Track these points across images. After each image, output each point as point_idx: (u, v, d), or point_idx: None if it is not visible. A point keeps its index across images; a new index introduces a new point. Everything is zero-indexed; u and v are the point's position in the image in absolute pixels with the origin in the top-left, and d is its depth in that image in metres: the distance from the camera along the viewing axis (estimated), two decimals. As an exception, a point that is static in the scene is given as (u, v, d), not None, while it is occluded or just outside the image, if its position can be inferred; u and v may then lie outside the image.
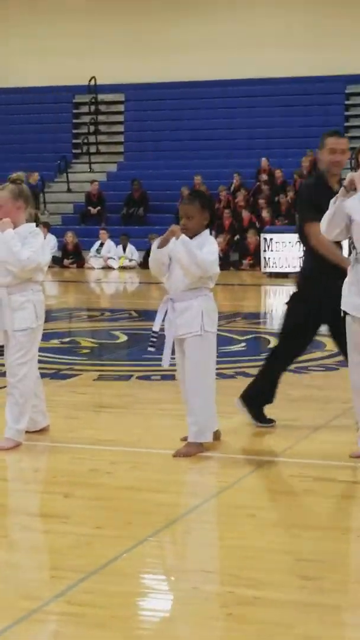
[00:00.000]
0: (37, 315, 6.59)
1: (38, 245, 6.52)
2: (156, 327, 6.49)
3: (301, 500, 5.43)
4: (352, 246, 6.10)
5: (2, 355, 6.70)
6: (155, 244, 6.48)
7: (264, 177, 24.17)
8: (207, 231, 6.42)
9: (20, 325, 6.52)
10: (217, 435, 6.59)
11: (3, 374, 6.93)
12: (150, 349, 6.60)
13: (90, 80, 27.90)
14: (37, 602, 4.03)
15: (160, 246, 6.41)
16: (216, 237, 21.86)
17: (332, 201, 6.06)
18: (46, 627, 3.84)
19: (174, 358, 6.56)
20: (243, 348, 10.94)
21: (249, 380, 8.14)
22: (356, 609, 4.05)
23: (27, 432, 6.65)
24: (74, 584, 4.22)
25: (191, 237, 6.33)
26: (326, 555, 4.59)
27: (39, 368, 6.94)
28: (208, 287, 6.44)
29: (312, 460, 6.21)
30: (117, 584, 4.25)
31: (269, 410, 7.27)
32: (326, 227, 6.10)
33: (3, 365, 6.89)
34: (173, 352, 6.51)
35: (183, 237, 6.27)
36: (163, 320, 6.44)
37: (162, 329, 6.45)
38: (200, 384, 6.35)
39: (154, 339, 6.52)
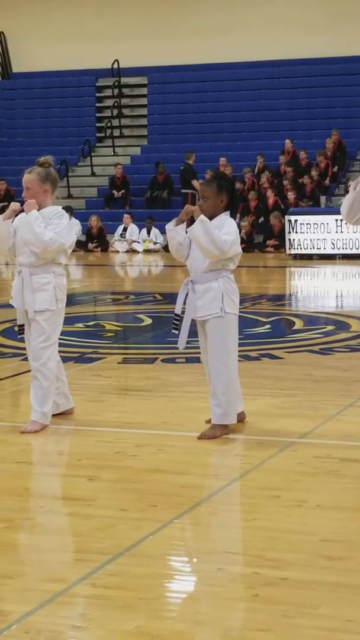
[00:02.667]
0: (58, 298, 6.60)
1: (62, 227, 6.54)
2: (178, 309, 6.49)
3: (326, 481, 5.42)
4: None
5: (22, 333, 6.72)
6: (171, 223, 6.48)
7: (287, 158, 24.06)
8: (226, 213, 6.40)
9: (40, 306, 6.54)
10: (241, 417, 6.59)
11: (26, 359, 6.95)
12: (173, 331, 6.60)
13: (113, 64, 27.85)
14: (62, 584, 4.05)
15: (176, 225, 6.41)
16: (241, 219, 21.86)
17: (352, 186, 6.04)
18: (71, 610, 3.85)
19: (192, 340, 6.56)
20: (268, 330, 10.92)
21: (274, 362, 8.15)
22: (381, 590, 4.04)
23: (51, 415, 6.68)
24: (99, 567, 4.23)
25: (209, 219, 6.31)
26: (351, 536, 4.58)
27: (64, 351, 6.98)
28: (229, 268, 6.42)
29: (336, 441, 6.19)
30: (142, 566, 4.26)
31: (290, 392, 7.26)
32: (347, 212, 6.08)
33: (25, 349, 6.91)
34: (192, 335, 6.51)
35: (202, 217, 6.25)
36: (185, 303, 6.44)
37: (184, 311, 6.45)
38: (223, 366, 6.34)
39: (177, 322, 6.51)
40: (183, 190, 23.53)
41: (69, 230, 6.67)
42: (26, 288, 6.56)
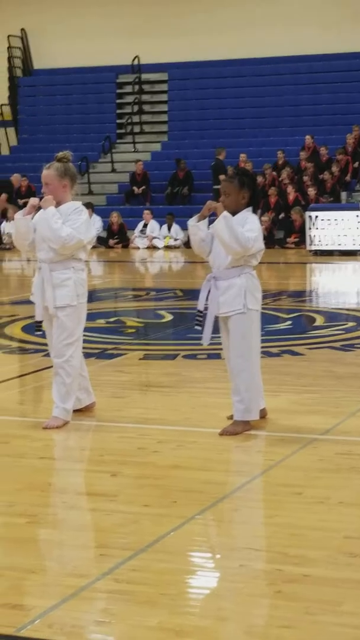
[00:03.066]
0: (78, 294, 6.61)
1: (80, 223, 6.54)
2: (200, 305, 6.48)
3: (347, 477, 5.41)
4: None
5: (40, 330, 6.74)
6: (192, 219, 6.48)
7: (308, 154, 24.01)
8: (248, 209, 6.40)
9: (60, 302, 6.56)
10: (263, 414, 6.59)
11: (47, 355, 6.97)
12: (197, 327, 6.60)
13: (133, 60, 27.86)
14: (85, 579, 4.06)
15: (198, 221, 6.41)
16: (261, 215, 21.82)
17: None
18: (94, 605, 3.87)
19: (215, 337, 6.56)
20: (289, 326, 10.91)
21: (295, 358, 8.14)
22: None
23: (73, 410, 6.69)
24: (122, 562, 4.24)
25: (234, 214, 6.30)
26: (374, 533, 4.58)
27: (86, 347, 6.98)
28: (251, 265, 6.41)
29: (358, 438, 6.18)
30: (165, 561, 4.27)
31: (312, 388, 7.24)
32: None
33: (47, 345, 6.93)
34: (215, 331, 6.51)
35: (225, 213, 6.25)
36: (207, 299, 6.44)
37: (207, 307, 6.45)
38: (245, 362, 6.34)
39: (200, 318, 6.51)
40: (215, 187, 23.48)
41: (88, 226, 6.66)
42: (46, 284, 6.57)
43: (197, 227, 6.45)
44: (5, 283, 17.89)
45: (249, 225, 6.28)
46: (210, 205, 6.37)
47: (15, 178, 24.75)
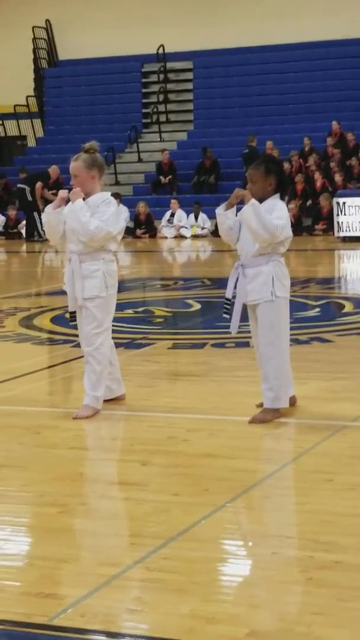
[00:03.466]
0: (107, 285, 6.62)
1: (108, 215, 6.53)
2: (228, 293, 6.47)
3: (379, 464, 5.40)
4: None
5: (74, 320, 6.76)
6: (220, 207, 6.46)
7: (334, 140, 23.89)
8: (276, 196, 6.38)
9: (89, 293, 6.57)
10: (292, 401, 6.58)
11: (77, 345, 6.99)
12: (224, 315, 6.59)
13: (158, 49, 27.82)
14: (117, 568, 4.08)
15: (225, 209, 6.40)
16: (289, 202, 21.76)
17: None
18: (126, 593, 3.88)
19: (243, 325, 6.55)
20: (317, 313, 10.88)
21: (324, 345, 8.12)
22: None
23: (104, 400, 6.71)
24: (153, 550, 4.25)
25: (261, 202, 6.28)
26: None
27: (114, 337, 7.00)
28: (279, 252, 6.40)
29: (389, 425, 6.17)
30: (196, 549, 4.28)
31: (341, 375, 7.22)
32: None
33: (76, 335, 6.95)
34: (243, 319, 6.50)
35: (253, 200, 6.23)
36: (235, 287, 6.43)
37: (234, 296, 6.44)
38: (274, 350, 6.33)
39: (228, 306, 6.50)
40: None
41: (117, 217, 6.66)
42: (76, 275, 6.59)
43: (224, 215, 6.43)
44: (34, 275, 17.95)
45: (276, 213, 6.27)
46: (237, 193, 6.35)
47: (54, 170, 24.38)
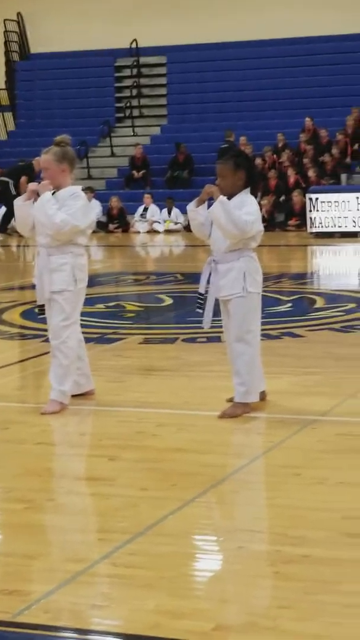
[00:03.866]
0: (76, 279, 6.57)
1: (75, 209, 6.49)
2: (201, 289, 6.46)
3: (347, 458, 5.40)
4: None
5: (42, 314, 6.71)
6: (191, 204, 6.44)
7: (308, 136, 23.92)
8: (246, 191, 6.35)
9: (57, 286, 6.53)
10: (263, 396, 6.57)
11: (47, 340, 6.95)
12: (198, 310, 6.57)
13: (131, 43, 27.74)
14: (84, 564, 4.05)
15: (196, 206, 6.38)
16: (262, 198, 21.76)
17: None
18: (92, 589, 3.85)
19: (216, 320, 6.54)
20: (289, 308, 10.88)
21: (295, 340, 8.12)
22: None
23: (72, 395, 6.68)
24: (120, 546, 4.23)
25: (228, 197, 6.27)
26: (373, 513, 4.56)
27: (85, 332, 6.96)
28: (251, 247, 6.38)
29: (357, 419, 6.17)
30: (164, 544, 4.26)
31: (312, 370, 7.22)
32: None
33: (46, 330, 6.91)
34: (216, 314, 6.49)
35: (221, 197, 6.21)
36: (208, 282, 6.42)
37: (207, 291, 6.43)
38: (246, 345, 6.32)
39: (201, 301, 6.48)
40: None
41: (85, 211, 6.61)
42: (44, 268, 6.55)
43: (196, 212, 6.41)
44: (8, 269, 17.86)
45: (246, 208, 6.25)
46: (207, 190, 6.33)
47: (38, 162, 24.18)
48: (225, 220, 6.15)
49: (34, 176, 23.91)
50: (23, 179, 23.63)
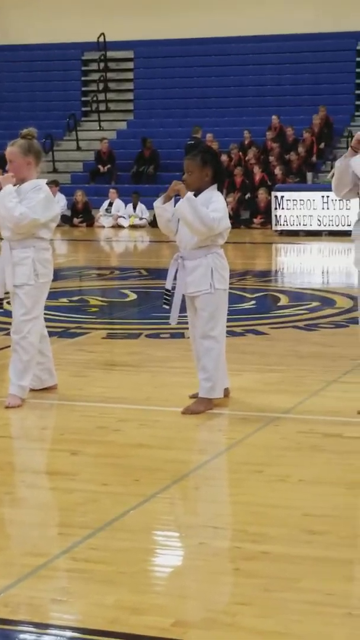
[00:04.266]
0: (38, 273, 6.53)
1: (35, 202, 6.44)
2: (168, 285, 6.45)
3: (308, 456, 5.41)
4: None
5: (10, 303, 6.69)
6: (158, 200, 6.44)
7: (274, 134, 23.98)
8: (213, 187, 6.35)
9: (19, 280, 6.50)
10: (226, 393, 6.57)
11: (9, 333, 6.91)
12: (164, 306, 6.55)
13: (99, 37, 27.65)
14: (43, 558, 4.03)
15: (164, 202, 6.37)
16: (227, 195, 21.78)
17: (337, 162, 6.07)
18: (52, 583, 3.84)
19: (182, 316, 6.53)
20: (253, 306, 10.90)
21: (259, 337, 8.13)
22: (363, 564, 4.04)
23: (33, 390, 6.65)
24: (81, 541, 4.21)
25: (195, 193, 6.27)
26: (333, 511, 4.58)
27: (48, 326, 6.93)
28: (218, 244, 6.38)
29: (320, 417, 6.19)
30: (124, 540, 4.25)
31: (275, 367, 7.23)
32: (335, 185, 6.14)
33: (9, 324, 6.87)
34: (182, 311, 6.48)
35: (188, 194, 6.20)
36: (175, 278, 6.41)
37: (174, 287, 6.42)
38: (212, 341, 6.32)
39: (168, 297, 6.47)
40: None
41: (46, 205, 6.55)
42: (6, 261, 6.52)
43: (162, 208, 6.40)
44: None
45: (213, 205, 6.25)
46: (174, 186, 6.32)
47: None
48: (192, 217, 6.14)
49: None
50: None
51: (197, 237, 6.26)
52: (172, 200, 6.41)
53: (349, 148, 6.04)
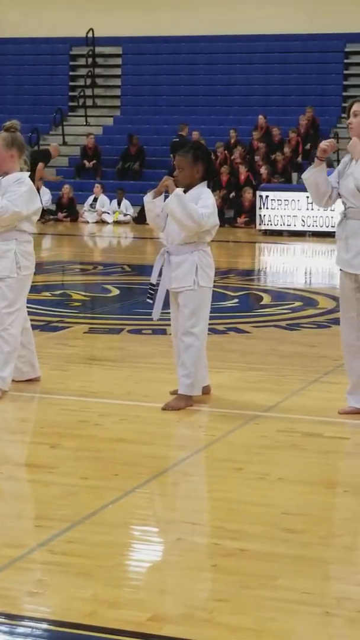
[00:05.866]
0: (20, 266, 6.52)
1: (17, 195, 6.42)
2: (153, 279, 6.44)
3: (288, 455, 5.42)
4: (343, 204, 6.11)
5: None
6: (148, 195, 6.43)
7: (260, 134, 23.99)
8: (203, 184, 6.35)
9: (1, 273, 6.48)
10: (207, 390, 6.57)
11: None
12: (148, 300, 6.54)
13: (87, 33, 27.59)
14: (20, 550, 4.02)
15: (153, 197, 6.37)
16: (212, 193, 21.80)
17: (304, 174, 6.08)
18: (28, 576, 3.82)
19: (166, 312, 6.52)
20: (236, 304, 10.90)
21: (241, 336, 8.11)
22: (339, 563, 4.04)
23: (14, 381, 6.62)
24: (59, 534, 4.20)
25: (185, 190, 6.27)
26: (311, 509, 4.58)
27: (30, 319, 6.91)
28: (205, 241, 6.38)
29: (300, 416, 6.19)
30: (102, 534, 4.24)
31: (256, 366, 7.23)
32: (313, 197, 6.16)
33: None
34: (165, 306, 6.48)
35: (177, 190, 6.20)
36: (160, 274, 6.40)
37: (159, 282, 6.41)
38: (193, 338, 6.31)
39: (152, 292, 6.46)
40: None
41: (28, 198, 6.53)
42: None
43: (152, 203, 6.40)
44: None
45: (202, 201, 6.25)
46: (165, 182, 6.32)
47: (55, 148, 23.71)
48: (181, 213, 6.14)
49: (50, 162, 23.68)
50: (40, 165, 23.29)
51: (185, 233, 6.25)
52: (162, 195, 6.41)
53: (315, 159, 6.07)
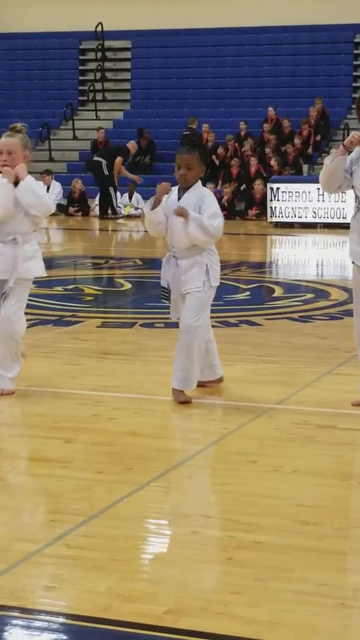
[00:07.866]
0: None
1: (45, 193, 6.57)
2: (163, 282, 6.42)
3: (302, 447, 5.42)
4: (355, 197, 6.08)
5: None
6: (147, 206, 6.39)
7: (270, 126, 23.96)
8: (199, 183, 6.35)
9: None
10: (219, 382, 6.58)
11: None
12: (163, 301, 6.53)
13: (97, 27, 27.58)
14: (36, 545, 4.03)
15: (154, 207, 6.32)
16: (222, 186, 21.78)
17: (327, 159, 6.04)
18: (44, 570, 3.84)
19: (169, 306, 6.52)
20: (247, 297, 10.90)
21: (253, 328, 8.11)
22: (354, 554, 4.05)
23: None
24: (73, 528, 4.22)
25: (188, 188, 6.25)
26: (326, 502, 4.59)
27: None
28: (212, 241, 6.39)
29: (313, 408, 6.20)
30: (117, 528, 4.25)
31: (269, 358, 7.23)
32: (326, 182, 6.11)
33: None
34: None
35: (192, 214, 6.13)
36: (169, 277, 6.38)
37: (169, 284, 6.38)
38: (194, 335, 6.28)
39: (166, 293, 6.44)
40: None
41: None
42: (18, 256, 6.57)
43: (154, 213, 6.33)
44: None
45: (211, 210, 6.20)
46: (162, 189, 6.29)
47: (132, 145, 23.69)
48: (202, 235, 6.16)
49: (129, 159, 23.71)
50: (119, 159, 23.30)
51: (202, 246, 6.26)
52: (162, 202, 6.34)
53: (341, 146, 6.02)
